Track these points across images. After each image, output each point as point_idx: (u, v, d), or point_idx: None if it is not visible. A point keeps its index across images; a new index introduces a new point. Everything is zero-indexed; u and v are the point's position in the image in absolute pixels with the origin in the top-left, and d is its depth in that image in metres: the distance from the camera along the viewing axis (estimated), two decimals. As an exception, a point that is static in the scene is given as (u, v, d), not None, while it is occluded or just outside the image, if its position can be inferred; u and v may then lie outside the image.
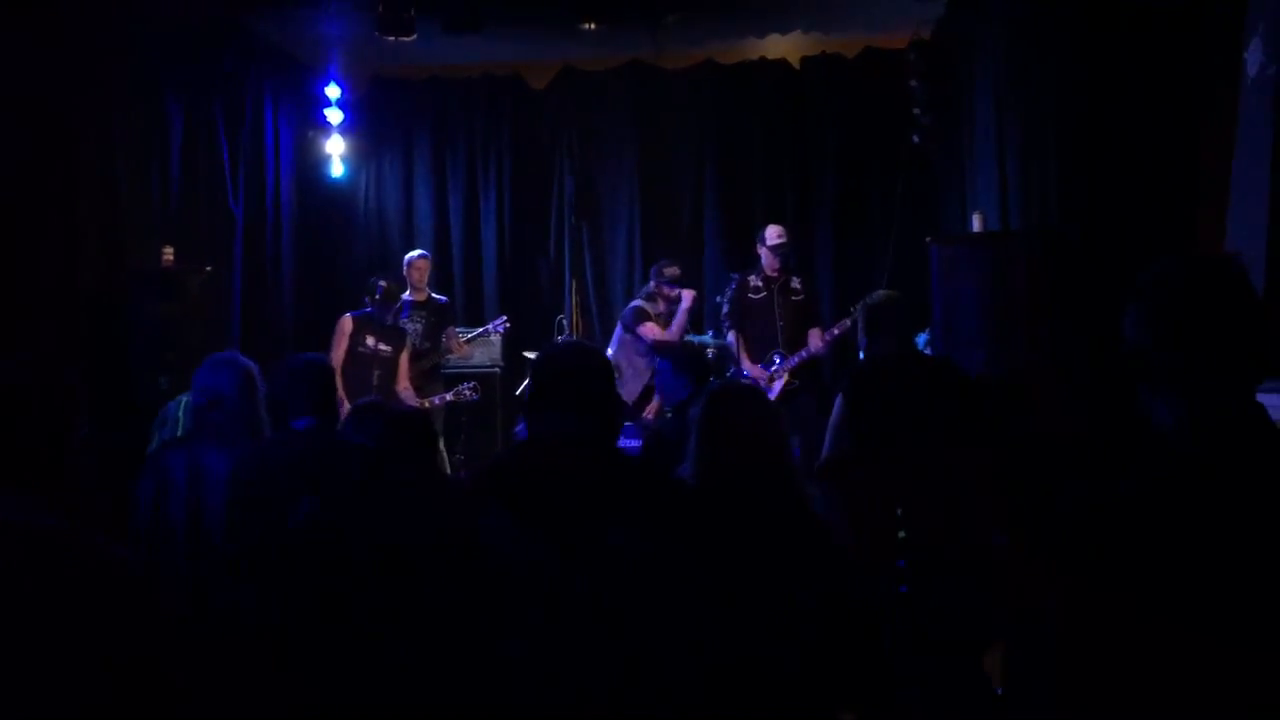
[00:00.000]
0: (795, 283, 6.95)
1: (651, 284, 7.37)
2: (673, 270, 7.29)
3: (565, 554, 2.23)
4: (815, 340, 6.77)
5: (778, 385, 6.64)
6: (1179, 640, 1.61)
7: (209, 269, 6.99)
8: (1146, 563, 1.63)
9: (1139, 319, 1.75)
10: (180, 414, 4.39)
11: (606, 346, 7.86)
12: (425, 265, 7.60)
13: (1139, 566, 1.63)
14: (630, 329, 7.20)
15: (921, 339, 6.14)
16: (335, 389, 3.80)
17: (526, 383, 2.91)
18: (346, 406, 6.58)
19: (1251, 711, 1.58)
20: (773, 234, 6.94)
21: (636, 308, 7.31)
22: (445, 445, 7.32)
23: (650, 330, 7.12)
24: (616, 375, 6.76)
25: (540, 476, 2.34)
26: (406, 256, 7.67)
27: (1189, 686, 1.59)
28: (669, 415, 5.09)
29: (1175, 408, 1.70)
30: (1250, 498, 1.63)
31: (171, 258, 6.83)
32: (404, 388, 6.89)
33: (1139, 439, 1.80)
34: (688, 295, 7.27)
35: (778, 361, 6.72)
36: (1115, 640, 1.64)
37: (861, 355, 4.46)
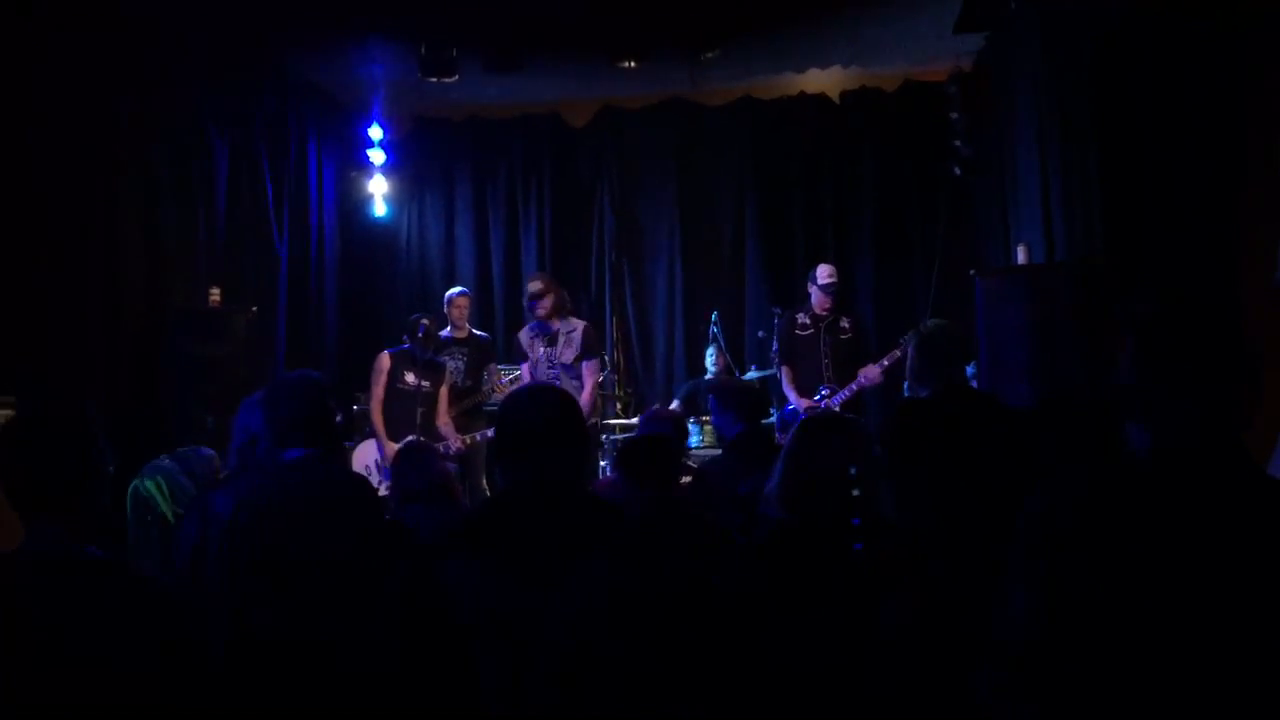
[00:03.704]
0: (844, 322, 6.88)
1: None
2: (533, 284, 6.98)
3: (536, 600, 2.21)
4: (866, 373, 6.66)
5: (823, 420, 6.57)
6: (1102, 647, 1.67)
7: (254, 309, 7.07)
8: (1077, 560, 1.71)
9: (1129, 351, 1.82)
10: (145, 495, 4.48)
11: (648, 381, 7.84)
12: (465, 303, 7.63)
13: (1072, 564, 1.71)
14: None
15: (968, 371, 6.08)
16: (331, 411, 3.21)
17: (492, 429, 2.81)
18: (390, 445, 6.64)
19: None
20: (824, 273, 6.88)
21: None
22: (487, 483, 7.33)
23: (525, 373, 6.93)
24: None
25: (511, 527, 2.32)
26: (447, 294, 7.70)
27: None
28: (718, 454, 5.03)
29: (1146, 438, 1.78)
30: (1187, 514, 1.69)
31: (219, 298, 6.92)
32: (444, 423, 6.89)
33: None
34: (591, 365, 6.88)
35: (824, 393, 6.65)
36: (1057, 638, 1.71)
37: (907, 386, 4.39)
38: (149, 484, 4.62)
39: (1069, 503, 1.77)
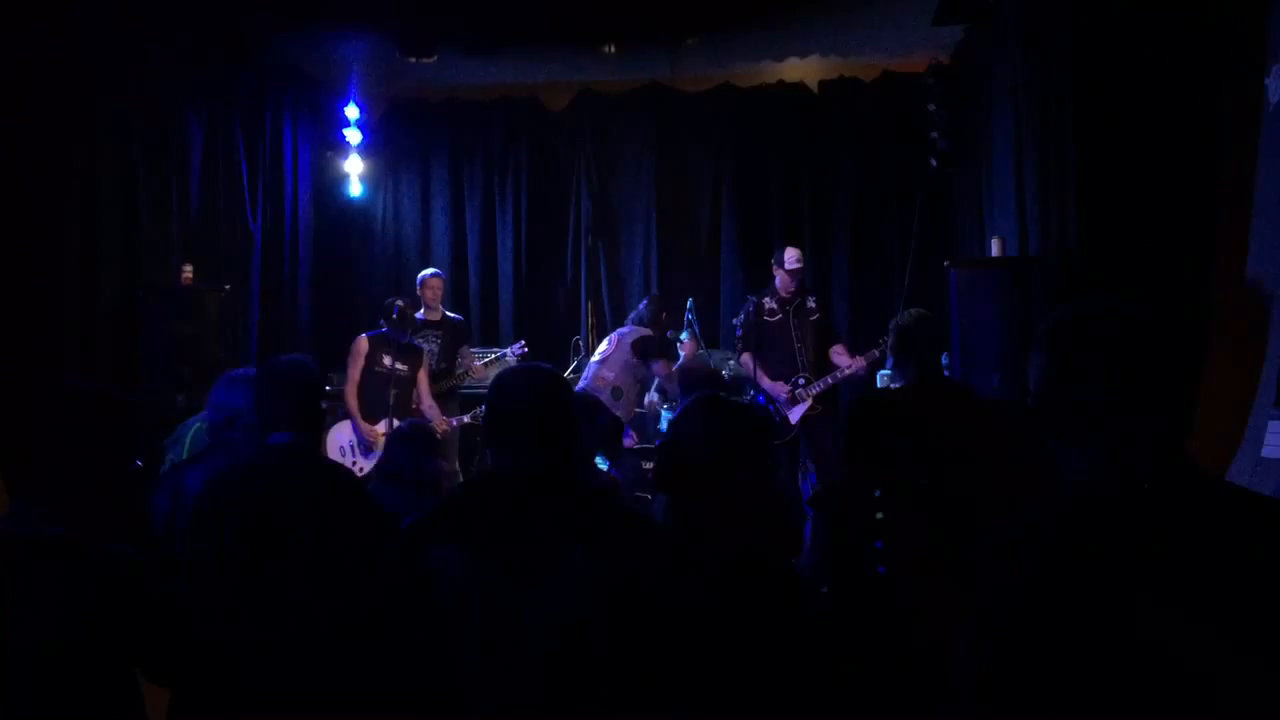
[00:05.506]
0: (810, 302, 6.90)
1: (655, 314, 7.23)
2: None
3: (518, 586, 2.19)
4: (844, 358, 6.68)
5: (800, 409, 6.60)
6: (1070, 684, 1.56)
7: (227, 287, 7.03)
8: (1040, 595, 1.59)
9: (1043, 369, 1.70)
10: (189, 438, 4.38)
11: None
12: (439, 284, 7.58)
13: (1034, 600, 1.59)
14: (645, 360, 7.01)
15: (942, 360, 6.12)
16: (321, 398, 3.26)
17: (482, 407, 2.80)
18: (365, 426, 6.65)
19: None
20: (791, 257, 6.88)
21: (652, 338, 7.11)
22: (460, 465, 7.32)
23: (664, 369, 7.02)
24: (619, 397, 6.77)
25: (496, 512, 2.29)
26: (419, 275, 7.67)
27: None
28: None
29: (1089, 457, 1.65)
30: (1150, 544, 1.57)
31: (191, 276, 6.87)
32: (428, 406, 6.87)
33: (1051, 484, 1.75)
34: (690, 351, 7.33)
35: (799, 383, 6.67)
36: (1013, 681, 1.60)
37: (880, 375, 4.41)
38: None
39: (1019, 546, 1.63)
